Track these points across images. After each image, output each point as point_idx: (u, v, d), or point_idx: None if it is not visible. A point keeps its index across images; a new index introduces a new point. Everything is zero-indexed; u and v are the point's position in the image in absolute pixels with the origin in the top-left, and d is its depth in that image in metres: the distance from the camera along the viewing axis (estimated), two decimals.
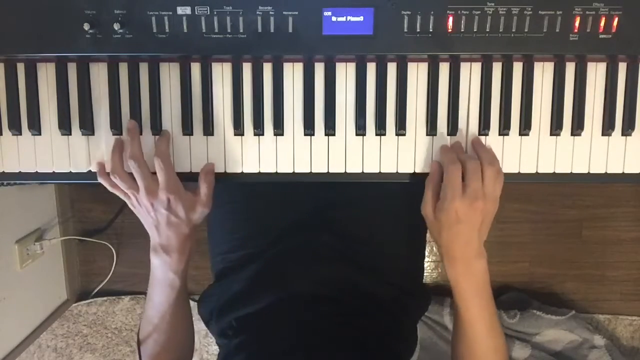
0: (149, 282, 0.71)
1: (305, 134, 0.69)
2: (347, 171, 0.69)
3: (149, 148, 0.68)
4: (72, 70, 0.68)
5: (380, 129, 0.68)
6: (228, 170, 0.69)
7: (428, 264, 1.63)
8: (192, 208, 0.67)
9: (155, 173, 0.65)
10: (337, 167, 0.69)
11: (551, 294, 1.65)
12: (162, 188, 0.64)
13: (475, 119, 0.68)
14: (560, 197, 1.61)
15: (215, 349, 1.61)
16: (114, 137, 0.69)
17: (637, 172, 0.69)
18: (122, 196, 0.68)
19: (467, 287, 0.66)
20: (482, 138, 0.69)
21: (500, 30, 0.64)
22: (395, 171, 0.69)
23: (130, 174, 0.66)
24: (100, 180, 0.68)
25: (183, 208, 0.66)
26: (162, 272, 0.69)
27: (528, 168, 0.69)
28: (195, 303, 0.87)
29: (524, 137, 0.69)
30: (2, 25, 0.64)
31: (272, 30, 0.64)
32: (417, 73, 0.68)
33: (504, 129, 0.68)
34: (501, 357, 0.69)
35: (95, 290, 1.66)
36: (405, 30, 0.64)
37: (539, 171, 0.69)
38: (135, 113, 0.68)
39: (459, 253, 0.65)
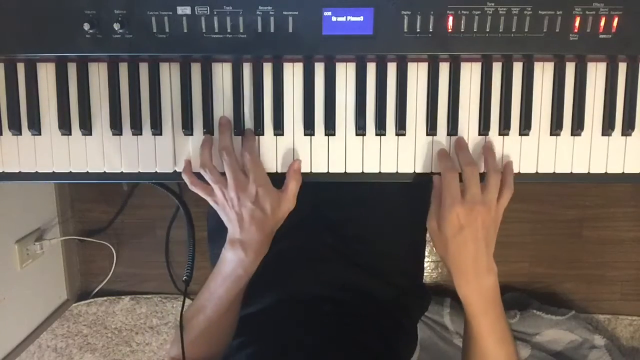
0: (213, 271, 0.70)
1: (305, 134, 0.69)
2: (347, 171, 0.69)
3: (150, 149, 0.68)
4: (72, 70, 0.68)
5: (380, 129, 0.68)
6: None
7: (428, 264, 1.62)
8: (278, 204, 0.66)
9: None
10: (337, 167, 0.69)
11: (551, 294, 1.65)
12: (252, 180, 0.64)
13: (475, 119, 0.68)
14: (560, 197, 1.61)
15: None
16: (113, 137, 0.69)
17: (637, 172, 0.69)
18: (202, 193, 0.67)
19: (478, 302, 0.65)
20: (482, 138, 0.69)
21: (500, 30, 0.64)
22: (395, 171, 0.69)
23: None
24: (184, 176, 0.67)
25: (269, 203, 0.65)
26: (233, 267, 0.67)
27: (528, 168, 0.69)
28: None
29: (524, 137, 0.69)
30: (2, 25, 0.64)
31: (272, 30, 0.64)
32: (417, 73, 0.68)
33: (504, 129, 0.68)
34: None
35: (95, 290, 1.66)
36: (405, 30, 0.64)
37: (539, 171, 0.69)
38: (135, 113, 0.68)
39: (469, 268, 0.64)
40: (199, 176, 0.68)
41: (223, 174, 0.66)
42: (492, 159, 0.66)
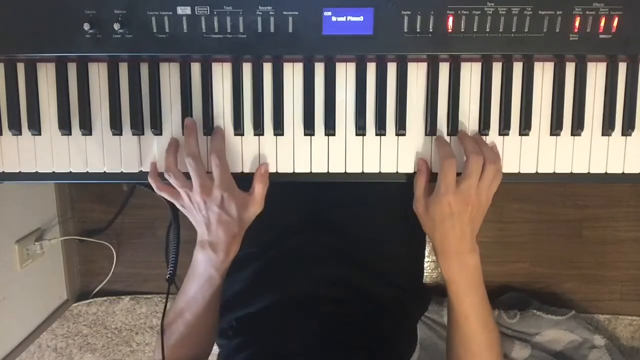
0: (187, 274, 0.71)
1: (305, 134, 0.69)
2: (347, 171, 0.69)
3: (150, 149, 0.68)
4: (72, 70, 0.68)
5: (380, 129, 0.68)
6: None
7: (428, 264, 1.62)
8: (244, 207, 0.67)
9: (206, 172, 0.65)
10: (337, 167, 0.69)
11: (551, 294, 1.65)
12: (217, 185, 0.64)
13: (475, 119, 0.68)
14: (560, 197, 1.61)
15: (215, 349, 1.61)
16: (113, 137, 0.69)
17: (637, 172, 0.69)
18: (169, 197, 0.68)
19: (461, 282, 0.66)
20: (482, 138, 0.68)
21: (500, 30, 0.64)
22: (395, 171, 0.69)
23: (184, 173, 0.66)
24: (150, 180, 0.68)
25: (235, 206, 0.65)
26: (204, 268, 0.68)
27: (528, 168, 0.69)
28: None
29: (524, 137, 0.69)
30: (2, 25, 0.64)
31: (272, 30, 0.64)
32: (417, 73, 0.68)
33: (504, 129, 0.68)
34: (495, 352, 0.69)
35: (95, 290, 1.66)
36: (405, 30, 0.64)
37: (539, 171, 0.69)
38: (135, 113, 0.68)
39: (453, 248, 0.65)
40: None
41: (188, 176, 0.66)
42: (486, 149, 0.66)
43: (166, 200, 0.90)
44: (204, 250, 0.67)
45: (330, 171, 0.69)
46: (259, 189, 0.67)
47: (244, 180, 0.69)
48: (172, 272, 0.79)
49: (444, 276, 0.67)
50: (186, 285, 0.71)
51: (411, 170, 0.69)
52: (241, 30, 0.64)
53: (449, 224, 0.64)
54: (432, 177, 0.68)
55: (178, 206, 0.68)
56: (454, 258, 0.66)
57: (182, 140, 0.68)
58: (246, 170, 0.69)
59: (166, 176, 0.66)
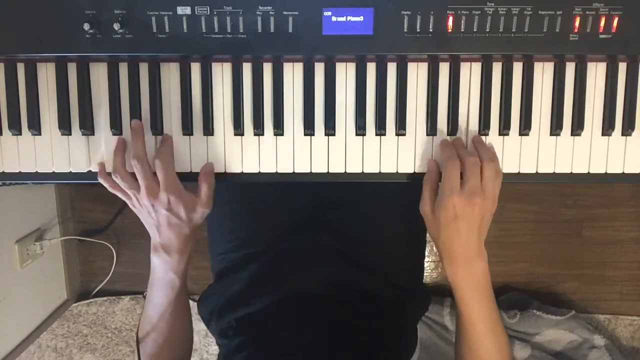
0: (149, 281, 0.71)
1: (305, 134, 0.69)
2: (347, 171, 0.69)
3: (151, 148, 0.68)
4: (72, 70, 0.68)
5: (380, 129, 0.68)
6: (228, 170, 0.69)
7: (428, 264, 1.62)
8: (192, 208, 0.67)
9: (155, 174, 0.65)
10: (337, 167, 0.69)
11: (551, 294, 1.65)
12: (163, 188, 0.64)
13: (475, 119, 0.68)
14: (560, 197, 1.61)
15: (215, 349, 1.61)
16: (114, 137, 0.69)
17: (637, 172, 0.69)
18: (122, 197, 0.68)
19: (468, 288, 0.65)
20: (482, 138, 0.69)
21: (500, 30, 0.64)
22: (395, 171, 0.69)
23: (132, 174, 0.66)
24: (100, 180, 0.68)
25: (184, 208, 0.66)
26: (163, 272, 0.69)
27: (528, 168, 0.69)
28: (195, 303, 0.87)
29: (524, 137, 0.69)
30: (2, 25, 0.64)
31: (272, 30, 0.64)
32: (417, 73, 0.68)
33: (504, 129, 0.68)
34: (505, 356, 0.68)
35: (95, 290, 1.66)
36: (405, 30, 0.64)
37: (539, 171, 0.69)
38: (135, 113, 0.68)
39: (459, 253, 0.64)
40: None
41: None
42: (484, 149, 0.66)
43: None
44: (158, 253, 0.68)
45: (330, 171, 0.69)
46: (205, 189, 0.67)
47: (244, 182, 0.69)
48: None
49: (450, 282, 0.66)
50: (150, 292, 0.72)
51: (411, 170, 0.69)
52: (241, 30, 0.64)
53: (453, 226, 0.63)
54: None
55: (130, 206, 0.68)
56: (460, 264, 0.65)
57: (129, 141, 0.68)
58: (246, 170, 0.69)
59: (114, 177, 0.66)
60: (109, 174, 0.67)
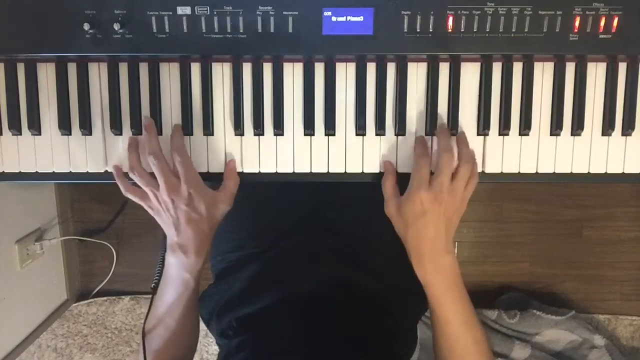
0: (162, 278, 0.70)
1: (305, 134, 0.69)
2: (347, 171, 0.69)
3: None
4: (72, 70, 0.68)
5: (380, 129, 0.68)
6: None
7: None
8: (213, 204, 0.66)
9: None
10: (337, 167, 0.69)
11: (551, 294, 1.65)
12: (183, 182, 0.64)
13: (475, 119, 0.68)
14: (560, 197, 1.61)
15: (215, 348, 1.61)
16: (113, 137, 0.69)
17: (637, 172, 0.69)
18: (137, 199, 0.67)
19: (438, 284, 0.65)
20: (482, 138, 0.69)
21: (500, 30, 0.64)
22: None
23: (149, 172, 0.65)
24: (118, 182, 0.67)
25: (204, 204, 0.65)
26: (177, 271, 0.68)
27: (528, 168, 0.69)
28: None
29: (524, 137, 0.69)
30: (2, 25, 0.64)
31: (272, 30, 0.64)
32: (417, 73, 0.68)
33: (504, 129, 0.68)
34: (482, 349, 0.68)
35: (95, 290, 1.66)
36: (405, 30, 0.64)
37: (539, 171, 0.69)
38: (135, 113, 0.68)
39: (427, 249, 0.64)
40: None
41: (154, 175, 0.65)
42: (465, 149, 0.66)
43: None
44: (174, 253, 0.67)
45: (330, 171, 0.69)
46: (231, 185, 0.67)
47: (244, 182, 0.69)
48: (158, 280, 0.79)
49: (420, 280, 0.66)
50: (162, 290, 0.71)
51: (411, 170, 0.69)
52: (241, 30, 0.64)
53: (421, 222, 0.63)
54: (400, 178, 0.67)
55: (146, 208, 0.67)
56: (428, 260, 0.64)
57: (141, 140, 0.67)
58: (246, 170, 0.69)
59: (131, 175, 0.65)
60: (126, 176, 0.66)
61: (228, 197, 0.67)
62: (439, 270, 0.65)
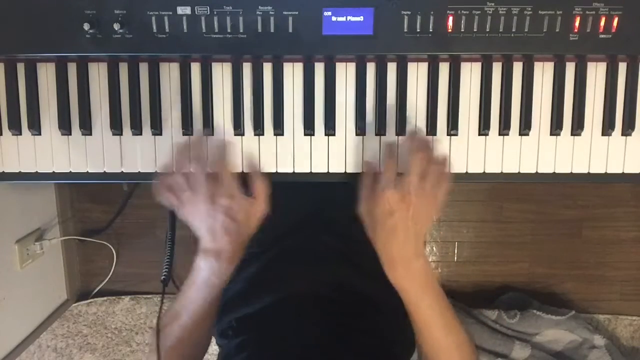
0: (187, 279, 0.69)
1: (305, 134, 0.69)
2: (347, 171, 0.69)
3: (150, 149, 0.68)
4: (72, 70, 0.68)
5: (380, 129, 0.68)
6: None
7: None
8: (249, 211, 0.66)
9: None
10: (337, 167, 0.69)
11: (551, 294, 1.65)
12: (223, 193, 0.63)
13: (475, 119, 0.68)
14: (560, 197, 1.61)
15: (215, 349, 1.61)
16: (113, 137, 0.69)
17: (637, 172, 0.69)
18: (173, 202, 0.66)
19: (411, 288, 0.65)
20: (482, 138, 0.69)
21: (500, 30, 0.64)
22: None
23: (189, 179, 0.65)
24: (155, 187, 0.66)
25: (241, 212, 0.65)
26: (206, 276, 0.67)
27: (528, 168, 0.69)
28: None
29: (524, 137, 0.69)
30: (2, 25, 0.64)
31: (272, 30, 0.64)
32: (417, 73, 0.68)
33: (504, 129, 0.68)
34: (466, 351, 0.67)
35: (95, 290, 1.66)
36: (405, 30, 0.64)
37: (539, 171, 0.69)
38: (135, 113, 0.68)
39: (397, 254, 0.63)
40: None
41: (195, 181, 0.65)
42: (431, 152, 0.65)
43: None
44: (207, 258, 0.66)
45: (330, 171, 0.69)
46: (261, 190, 0.67)
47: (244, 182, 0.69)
48: (167, 273, 0.79)
49: (394, 286, 0.65)
50: (186, 289, 0.70)
51: None
52: (241, 30, 0.64)
53: (389, 223, 0.62)
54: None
55: (180, 214, 0.67)
56: (399, 264, 0.64)
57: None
58: (246, 170, 0.69)
59: (171, 182, 0.65)
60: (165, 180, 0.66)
61: (262, 202, 0.67)
62: (411, 275, 0.64)
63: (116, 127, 0.68)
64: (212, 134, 0.69)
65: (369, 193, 0.65)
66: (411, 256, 0.63)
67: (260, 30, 0.64)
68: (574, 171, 0.69)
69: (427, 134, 0.68)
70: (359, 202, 0.66)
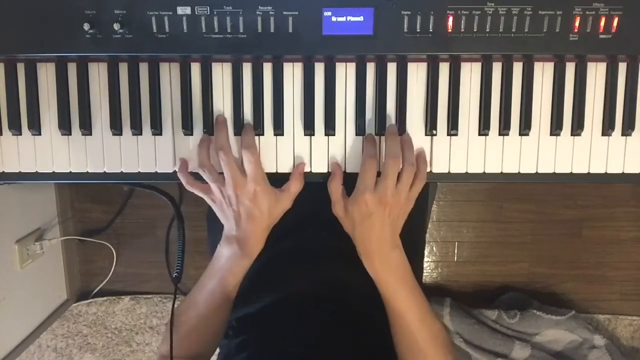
0: (207, 267, 0.71)
1: (305, 134, 0.69)
2: (347, 171, 0.69)
3: (150, 149, 0.68)
4: (72, 70, 0.68)
5: (380, 129, 0.68)
6: None
7: (428, 264, 1.63)
8: (275, 202, 0.67)
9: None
10: None
11: (551, 294, 1.65)
12: (251, 179, 0.65)
13: (475, 119, 0.68)
14: (560, 197, 1.61)
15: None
16: (113, 137, 0.69)
17: (637, 172, 0.69)
18: (200, 192, 0.68)
19: (388, 279, 0.67)
20: (482, 138, 0.69)
21: (500, 30, 0.64)
22: None
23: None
24: (180, 175, 0.68)
25: (267, 202, 0.66)
26: (228, 264, 0.69)
27: (528, 168, 0.69)
28: None
29: (524, 137, 0.69)
30: (2, 25, 0.64)
31: (272, 30, 0.64)
32: (417, 73, 0.68)
33: (504, 129, 0.68)
34: (440, 344, 0.68)
35: (95, 290, 1.66)
36: (405, 30, 0.64)
37: (539, 171, 0.69)
38: (135, 113, 0.68)
39: (374, 246, 0.66)
40: (195, 175, 0.68)
41: (221, 172, 0.66)
42: (408, 152, 0.66)
43: (169, 200, 0.90)
44: (230, 245, 0.68)
45: (329, 171, 0.69)
46: (295, 187, 0.68)
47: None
48: (179, 271, 0.79)
49: (372, 277, 0.67)
50: (205, 278, 0.71)
51: None
52: (241, 30, 0.64)
53: (367, 223, 0.65)
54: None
55: (208, 201, 0.68)
56: (376, 256, 0.66)
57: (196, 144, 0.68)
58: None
59: (199, 171, 0.67)
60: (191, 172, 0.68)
61: (290, 197, 0.69)
62: (387, 265, 0.66)
63: (116, 127, 0.68)
64: (213, 134, 0.69)
65: (342, 194, 0.67)
66: (388, 248, 0.66)
67: (260, 30, 0.64)
68: (574, 171, 0.69)
69: (427, 134, 0.68)
70: (332, 203, 0.68)
